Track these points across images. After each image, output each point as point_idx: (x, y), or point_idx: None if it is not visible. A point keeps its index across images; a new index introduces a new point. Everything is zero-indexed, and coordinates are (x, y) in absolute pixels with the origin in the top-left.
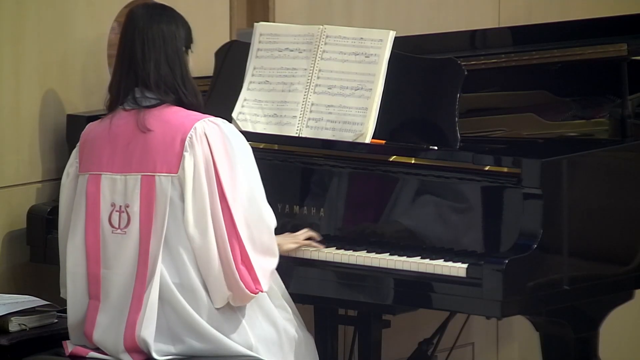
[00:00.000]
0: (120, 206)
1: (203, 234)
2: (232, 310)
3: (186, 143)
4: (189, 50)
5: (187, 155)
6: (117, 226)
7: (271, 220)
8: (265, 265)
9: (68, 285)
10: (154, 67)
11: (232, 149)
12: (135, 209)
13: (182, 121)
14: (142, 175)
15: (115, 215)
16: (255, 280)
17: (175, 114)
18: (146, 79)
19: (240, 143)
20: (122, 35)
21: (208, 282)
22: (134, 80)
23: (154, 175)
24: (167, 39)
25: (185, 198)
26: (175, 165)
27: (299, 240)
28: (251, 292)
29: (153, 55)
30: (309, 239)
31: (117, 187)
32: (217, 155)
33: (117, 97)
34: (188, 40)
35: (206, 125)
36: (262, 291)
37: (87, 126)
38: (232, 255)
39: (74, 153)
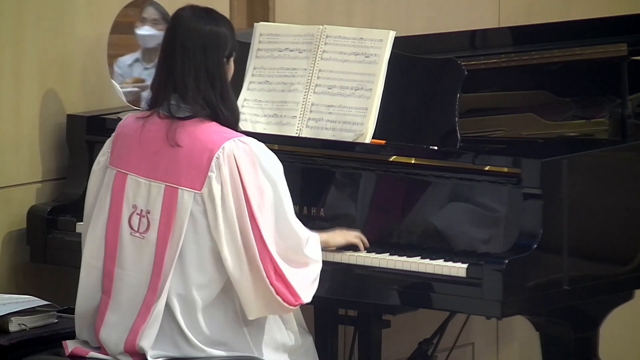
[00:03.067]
0: (142, 210)
1: (237, 256)
2: (236, 321)
3: (212, 163)
4: (231, 59)
5: (214, 177)
6: (136, 229)
7: (302, 236)
8: (302, 277)
9: (81, 275)
10: (193, 82)
11: (262, 169)
12: (155, 217)
13: (212, 138)
14: (166, 185)
15: (136, 218)
16: (294, 294)
17: (207, 129)
18: (184, 92)
19: (271, 162)
20: (165, 39)
21: (243, 299)
22: (172, 88)
23: (177, 188)
24: (209, 51)
25: (216, 222)
26: (199, 182)
27: (348, 238)
28: (290, 305)
29: (193, 69)
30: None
31: (140, 191)
32: (245, 176)
33: (156, 99)
34: (232, 47)
35: (234, 146)
36: (302, 303)
37: (125, 117)
38: (265, 273)
39: (108, 143)
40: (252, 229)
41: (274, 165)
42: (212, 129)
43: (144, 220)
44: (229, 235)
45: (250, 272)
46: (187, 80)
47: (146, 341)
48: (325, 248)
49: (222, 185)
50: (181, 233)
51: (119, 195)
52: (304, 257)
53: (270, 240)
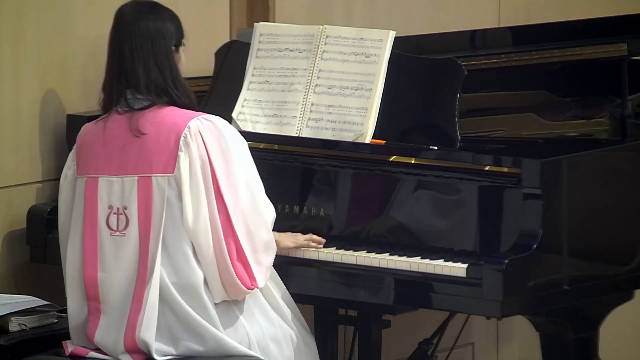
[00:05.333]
0: (118, 208)
1: (202, 231)
2: (232, 310)
3: (181, 142)
4: (180, 47)
5: (182, 155)
6: (115, 228)
7: (269, 215)
8: (262, 261)
9: (67, 288)
10: (143, 71)
11: (227, 145)
12: (133, 211)
13: (176, 120)
14: (138, 176)
15: (113, 218)
16: (251, 276)
17: (169, 114)
18: (137, 82)
19: (235, 139)
20: (111, 37)
21: (208, 277)
22: (125, 83)
23: (150, 177)
24: (155, 40)
25: (183, 197)
26: (171, 165)
27: (297, 241)
28: (247, 288)
29: (142, 58)
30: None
31: (114, 190)
32: (212, 153)
33: (110, 99)
34: (178, 37)
35: (200, 123)
36: (257, 287)
37: (82, 128)
38: (228, 252)
39: (71, 155)
40: (218, 206)
41: (239, 142)
42: (174, 112)
43: (122, 217)
44: (196, 212)
45: (213, 249)
46: (137, 71)
47: (147, 333)
48: None
49: (190, 162)
50: (161, 220)
51: (92, 200)
52: (266, 240)
53: (236, 217)
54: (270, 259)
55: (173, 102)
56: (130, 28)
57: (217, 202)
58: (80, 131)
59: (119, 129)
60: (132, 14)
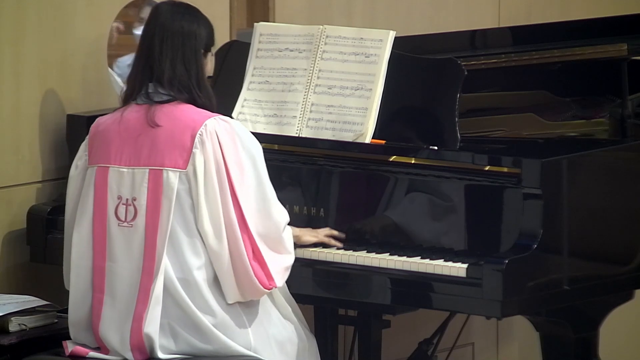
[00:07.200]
0: (127, 199)
1: (217, 231)
2: (235, 310)
3: (196, 140)
4: (209, 53)
5: (198, 153)
6: (123, 219)
7: (281, 219)
8: (279, 261)
9: (72, 277)
10: (169, 65)
11: (243, 147)
12: (142, 202)
13: (193, 117)
14: (150, 169)
15: (122, 208)
16: (269, 276)
17: (186, 110)
18: (160, 75)
19: (250, 141)
20: (144, 30)
21: (221, 278)
22: (149, 75)
23: (161, 170)
24: (187, 39)
25: (197, 196)
26: (184, 160)
27: (318, 235)
28: (265, 288)
29: (170, 53)
30: (329, 237)
31: (124, 180)
32: (227, 153)
33: (132, 90)
34: (209, 43)
35: (217, 123)
36: (275, 287)
37: (97, 119)
38: (245, 251)
39: (83, 146)
40: (234, 206)
41: (254, 146)
42: (191, 110)
43: (131, 208)
44: (211, 210)
45: (229, 249)
46: (164, 65)
47: (152, 327)
48: (295, 243)
49: (205, 161)
50: (169, 213)
51: (102, 189)
52: (280, 242)
53: (250, 218)
54: (286, 260)
55: (193, 101)
56: (164, 24)
57: (232, 201)
58: (95, 122)
59: (136, 119)
60: (168, 11)
